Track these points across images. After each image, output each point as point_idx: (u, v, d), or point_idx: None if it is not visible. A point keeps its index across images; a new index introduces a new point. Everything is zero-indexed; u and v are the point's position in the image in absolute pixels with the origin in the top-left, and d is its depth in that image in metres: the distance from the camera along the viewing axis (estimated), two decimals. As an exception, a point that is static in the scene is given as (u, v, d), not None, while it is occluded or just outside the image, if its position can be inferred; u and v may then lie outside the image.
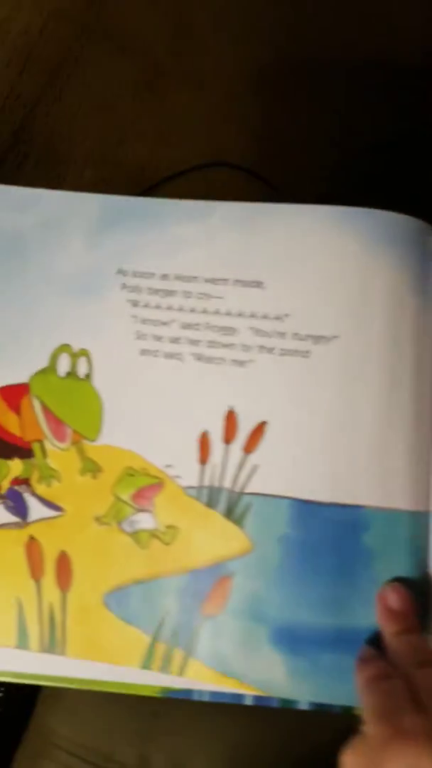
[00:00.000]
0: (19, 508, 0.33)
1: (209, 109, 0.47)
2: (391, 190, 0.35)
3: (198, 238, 0.34)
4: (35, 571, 0.32)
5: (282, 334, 0.33)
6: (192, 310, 0.33)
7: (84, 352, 0.34)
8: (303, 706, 0.30)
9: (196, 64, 0.48)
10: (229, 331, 0.33)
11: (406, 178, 0.44)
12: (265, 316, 0.33)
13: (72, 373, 0.33)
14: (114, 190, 0.36)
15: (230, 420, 0.32)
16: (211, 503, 0.32)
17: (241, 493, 0.32)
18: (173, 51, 0.48)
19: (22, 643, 0.31)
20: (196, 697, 0.31)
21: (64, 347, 0.34)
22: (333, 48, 0.47)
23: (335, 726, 0.34)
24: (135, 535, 0.32)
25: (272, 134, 0.46)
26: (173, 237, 0.34)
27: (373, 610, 0.30)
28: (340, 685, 0.30)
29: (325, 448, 0.32)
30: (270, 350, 0.33)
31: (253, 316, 0.33)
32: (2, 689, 0.40)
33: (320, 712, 0.30)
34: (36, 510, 0.33)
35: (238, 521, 0.32)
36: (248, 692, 0.30)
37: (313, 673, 0.30)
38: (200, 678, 0.31)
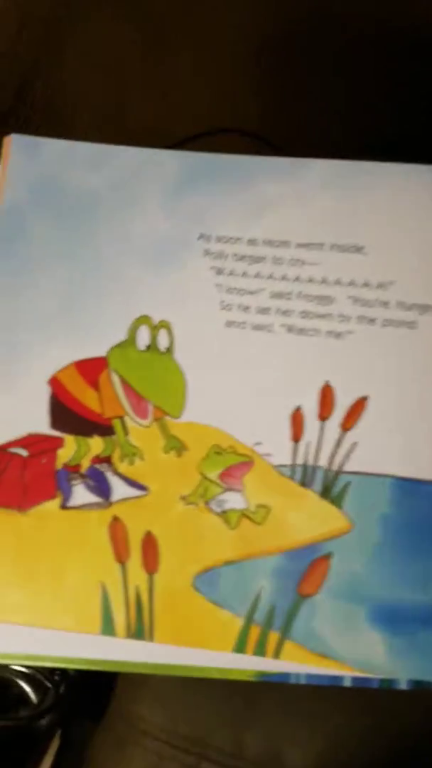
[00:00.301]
0: (101, 487, 0.31)
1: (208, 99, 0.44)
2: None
3: (289, 198, 0.32)
4: (120, 553, 0.30)
5: (385, 304, 0.31)
6: (283, 278, 0.31)
7: (164, 324, 0.31)
8: (402, 685, 0.30)
9: (198, 41, 0.45)
10: (325, 300, 0.31)
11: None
12: (366, 284, 0.31)
13: (152, 347, 0.31)
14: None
15: (326, 395, 0.31)
16: (305, 482, 0.31)
17: (339, 472, 0.30)
18: (175, 19, 0.45)
19: (107, 629, 0.30)
20: (293, 681, 0.30)
21: (144, 319, 0.31)
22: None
23: (426, 703, 0.34)
24: (224, 515, 0.31)
25: (272, 134, 0.44)
26: (260, 197, 0.32)
27: None
28: None
29: (429, 424, 0.30)
30: (371, 321, 0.31)
31: (352, 284, 0.31)
32: (59, 672, 0.38)
33: (412, 692, 0.30)
34: (119, 489, 0.31)
35: (336, 501, 0.30)
36: (347, 673, 0.30)
37: (412, 650, 0.30)
38: (297, 660, 0.30)
